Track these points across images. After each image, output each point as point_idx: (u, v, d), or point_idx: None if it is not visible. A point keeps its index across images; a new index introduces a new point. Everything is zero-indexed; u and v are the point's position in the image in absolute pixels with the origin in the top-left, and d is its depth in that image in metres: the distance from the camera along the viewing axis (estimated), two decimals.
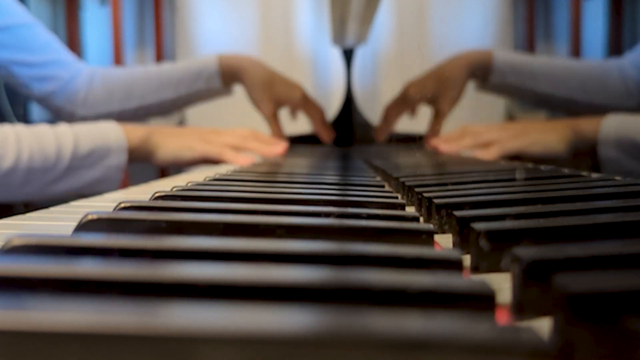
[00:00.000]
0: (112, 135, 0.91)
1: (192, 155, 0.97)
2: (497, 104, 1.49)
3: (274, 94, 1.19)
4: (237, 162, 0.94)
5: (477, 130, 1.04)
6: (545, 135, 1.01)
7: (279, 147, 1.02)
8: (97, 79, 1.17)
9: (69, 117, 1.14)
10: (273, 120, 1.19)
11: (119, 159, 0.91)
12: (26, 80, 1.11)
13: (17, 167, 0.83)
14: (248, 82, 1.18)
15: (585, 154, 1.00)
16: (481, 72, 1.19)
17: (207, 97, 1.21)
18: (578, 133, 0.99)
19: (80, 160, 0.88)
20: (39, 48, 1.11)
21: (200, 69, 1.19)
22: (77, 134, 0.88)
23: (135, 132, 0.95)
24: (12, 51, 1.09)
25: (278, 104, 1.20)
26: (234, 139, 1.00)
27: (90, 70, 1.18)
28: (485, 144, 1.01)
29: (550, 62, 1.22)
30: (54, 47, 1.14)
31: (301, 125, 1.48)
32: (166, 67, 1.23)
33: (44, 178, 0.86)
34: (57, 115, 1.17)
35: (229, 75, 1.20)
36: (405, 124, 1.44)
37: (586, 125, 0.99)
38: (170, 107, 1.22)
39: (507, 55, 1.22)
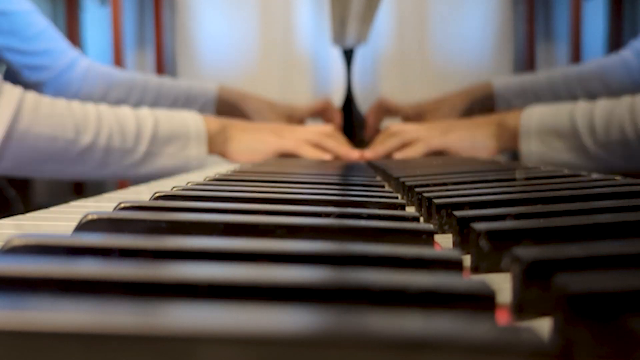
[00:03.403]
0: (191, 123, 0.91)
1: (266, 148, 0.97)
2: None
3: (281, 112, 1.21)
4: (315, 157, 0.95)
5: (401, 129, 1.04)
6: (471, 132, 1.01)
7: (355, 153, 1.01)
8: (94, 75, 1.16)
9: None
10: None
11: (199, 149, 0.91)
12: (17, 67, 1.11)
13: (95, 145, 0.83)
14: (252, 107, 1.20)
15: (513, 148, 0.99)
16: (485, 103, 1.21)
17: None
18: (504, 127, 0.98)
19: (160, 147, 0.88)
20: (34, 36, 1.10)
21: (199, 92, 1.20)
22: (158, 119, 0.88)
23: (212, 123, 0.95)
24: (5, 37, 1.08)
25: (289, 120, 1.21)
26: (311, 135, 0.99)
27: (88, 65, 1.17)
28: (410, 142, 1.01)
29: (549, 76, 1.22)
30: (50, 36, 1.13)
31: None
32: (167, 82, 1.23)
33: (122, 160, 0.86)
34: None
35: (225, 106, 1.21)
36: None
37: (510, 118, 0.98)
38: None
39: (506, 80, 1.24)
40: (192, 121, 0.92)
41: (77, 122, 0.81)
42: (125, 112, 0.87)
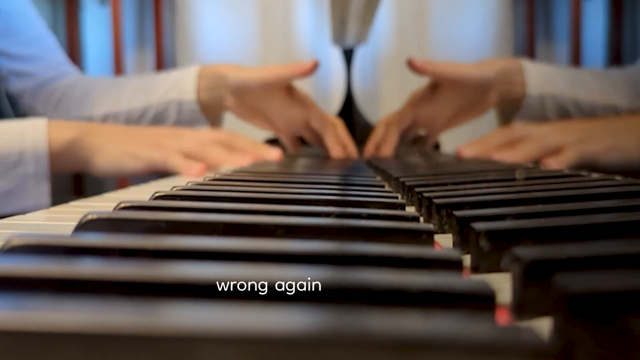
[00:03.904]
0: (28, 136, 0.73)
1: (134, 165, 0.79)
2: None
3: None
4: (185, 172, 0.76)
5: (537, 134, 0.84)
6: (622, 138, 0.79)
7: (247, 159, 0.83)
8: (79, 85, 1.03)
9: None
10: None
11: (37, 167, 0.72)
12: (5, 73, 1.02)
13: None
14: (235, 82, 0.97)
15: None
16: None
17: (175, 118, 0.95)
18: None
19: None
20: (27, 41, 1.01)
21: (177, 76, 0.99)
22: None
23: (62, 132, 0.75)
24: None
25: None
26: (191, 145, 0.82)
27: (78, 77, 1.06)
28: (548, 150, 0.82)
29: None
30: (44, 43, 1.04)
31: None
32: (145, 76, 1.06)
33: None
34: (26, 116, 1.01)
35: (208, 84, 0.98)
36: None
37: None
38: (138, 118, 0.96)
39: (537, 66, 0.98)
40: (30, 133, 0.73)
41: None
42: None
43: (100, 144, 0.78)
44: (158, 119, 0.95)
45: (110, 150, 0.78)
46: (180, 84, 0.94)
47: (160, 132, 0.85)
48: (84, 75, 1.10)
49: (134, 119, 0.96)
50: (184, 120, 0.94)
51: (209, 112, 0.95)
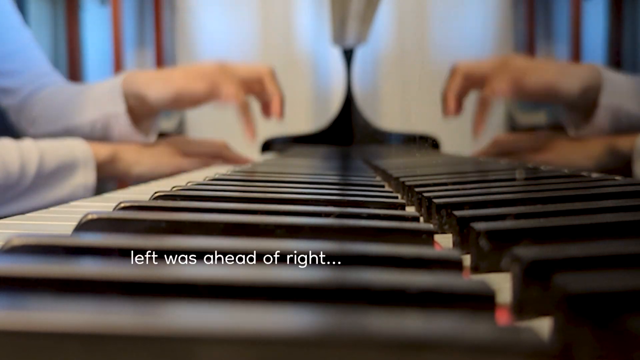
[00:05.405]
0: (78, 151, 0.86)
1: (170, 170, 0.96)
2: (496, 105, 1.48)
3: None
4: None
5: (505, 140, 1.02)
6: (573, 153, 0.93)
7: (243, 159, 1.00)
8: (47, 100, 1.02)
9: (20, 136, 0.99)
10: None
11: (87, 176, 0.87)
12: None
13: None
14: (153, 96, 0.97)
15: (618, 169, 0.89)
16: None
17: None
18: (611, 149, 0.89)
19: (45, 179, 0.83)
20: (8, 54, 1.01)
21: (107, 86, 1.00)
22: (43, 150, 0.83)
23: (101, 149, 0.90)
24: None
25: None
26: (212, 149, 0.99)
27: (48, 91, 1.04)
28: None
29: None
30: (26, 55, 1.03)
31: (300, 125, 1.48)
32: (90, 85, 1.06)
33: (4, 195, 0.80)
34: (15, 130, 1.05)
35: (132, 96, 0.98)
36: (404, 124, 1.44)
37: (621, 141, 0.88)
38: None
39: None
40: (79, 149, 0.87)
41: None
42: (7, 146, 0.80)
43: (134, 156, 0.94)
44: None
45: (146, 161, 0.95)
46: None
47: (181, 141, 1.01)
48: (53, 86, 1.06)
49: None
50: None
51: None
